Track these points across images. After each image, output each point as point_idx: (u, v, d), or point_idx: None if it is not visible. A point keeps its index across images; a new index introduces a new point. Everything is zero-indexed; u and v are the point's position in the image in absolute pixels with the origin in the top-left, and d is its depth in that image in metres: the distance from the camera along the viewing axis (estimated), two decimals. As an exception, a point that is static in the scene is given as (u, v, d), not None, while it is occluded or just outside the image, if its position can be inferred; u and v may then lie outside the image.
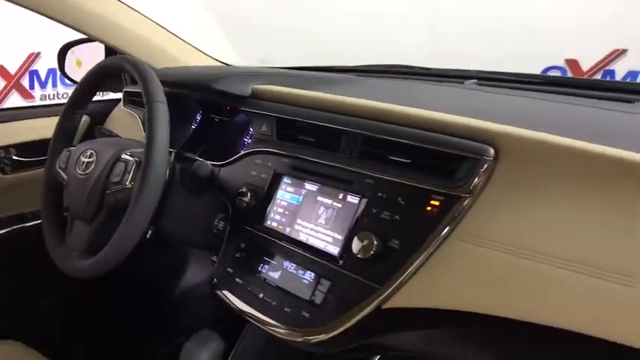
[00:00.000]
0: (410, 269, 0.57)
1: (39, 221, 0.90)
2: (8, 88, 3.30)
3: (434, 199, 0.59)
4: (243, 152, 0.84)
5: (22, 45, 3.21)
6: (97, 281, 1.27)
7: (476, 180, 0.57)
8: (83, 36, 1.25)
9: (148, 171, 0.70)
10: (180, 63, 1.19)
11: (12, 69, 3.29)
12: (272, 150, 0.80)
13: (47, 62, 3.31)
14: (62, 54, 1.38)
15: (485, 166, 0.57)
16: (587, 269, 0.48)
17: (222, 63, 1.35)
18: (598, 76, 2.37)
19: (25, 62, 3.30)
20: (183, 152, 0.88)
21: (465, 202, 0.57)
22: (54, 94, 3.38)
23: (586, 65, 2.79)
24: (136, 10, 1.19)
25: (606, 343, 0.46)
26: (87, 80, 0.90)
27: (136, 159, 0.77)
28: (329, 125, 0.73)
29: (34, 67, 3.33)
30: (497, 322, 0.52)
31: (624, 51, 2.79)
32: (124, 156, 0.79)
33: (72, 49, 1.38)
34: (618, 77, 2.34)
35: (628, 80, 2.21)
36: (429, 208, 0.59)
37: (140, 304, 1.27)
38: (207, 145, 0.97)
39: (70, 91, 1.08)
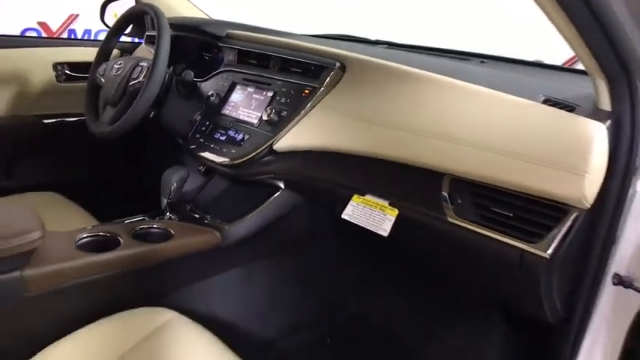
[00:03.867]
0: (290, 125, 1.05)
1: (79, 118, 1.37)
2: (49, 42, 3.81)
3: (307, 89, 1.07)
4: (214, 72, 1.32)
5: (65, 6, 3.71)
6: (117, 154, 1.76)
7: (328, 79, 1.04)
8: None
9: (154, 71, 1.17)
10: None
11: (54, 26, 3.81)
12: (233, 69, 1.29)
13: (84, 23, 3.81)
14: (103, 7, 1.86)
15: (332, 72, 1.04)
16: (393, 125, 0.91)
17: None
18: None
19: (65, 21, 3.80)
20: (181, 73, 1.36)
21: (321, 89, 1.04)
22: (86, 51, 3.89)
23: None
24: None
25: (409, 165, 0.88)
26: (122, 18, 1.38)
27: (148, 65, 1.25)
28: (264, 52, 1.22)
29: (73, 26, 3.84)
30: (339, 156, 0.98)
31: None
32: (141, 63, 1.26)
33: (111, 4, 1.87)
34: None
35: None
36: (303, 95, 1.07)
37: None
38: (197, 70, 1.46)
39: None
